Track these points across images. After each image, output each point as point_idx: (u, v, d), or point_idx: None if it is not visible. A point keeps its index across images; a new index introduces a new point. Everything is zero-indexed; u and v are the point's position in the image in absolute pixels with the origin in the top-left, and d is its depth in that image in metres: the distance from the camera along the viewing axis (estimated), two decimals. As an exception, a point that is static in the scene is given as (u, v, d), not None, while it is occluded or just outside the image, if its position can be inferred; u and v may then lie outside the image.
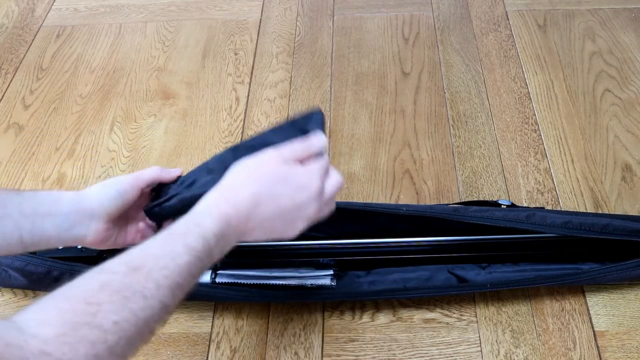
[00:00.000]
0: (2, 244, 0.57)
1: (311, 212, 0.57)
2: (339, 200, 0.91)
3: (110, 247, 0.64)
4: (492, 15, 1.22)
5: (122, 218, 0.63)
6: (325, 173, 0.58)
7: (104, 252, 0.79)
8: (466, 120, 1.01)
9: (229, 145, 1.00)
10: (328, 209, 0.60)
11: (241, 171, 0.56)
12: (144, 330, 0.45)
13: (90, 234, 0.60)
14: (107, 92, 1.11)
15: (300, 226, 0.57)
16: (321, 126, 0.60)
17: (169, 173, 0.64)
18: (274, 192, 0.55)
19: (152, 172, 0.63)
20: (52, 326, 0.40)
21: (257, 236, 0.56)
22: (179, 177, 0.65)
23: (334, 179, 0.59)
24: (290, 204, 0.55)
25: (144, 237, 0.65)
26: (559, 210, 0.84)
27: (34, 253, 0.76)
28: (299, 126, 0.60)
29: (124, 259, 0.48)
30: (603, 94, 1.04)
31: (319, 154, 0.59)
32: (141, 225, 0.66)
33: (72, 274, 0.74)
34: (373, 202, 0.90)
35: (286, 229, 0.57)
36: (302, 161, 0.58)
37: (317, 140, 0.59)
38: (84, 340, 0.40)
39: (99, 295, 0.43)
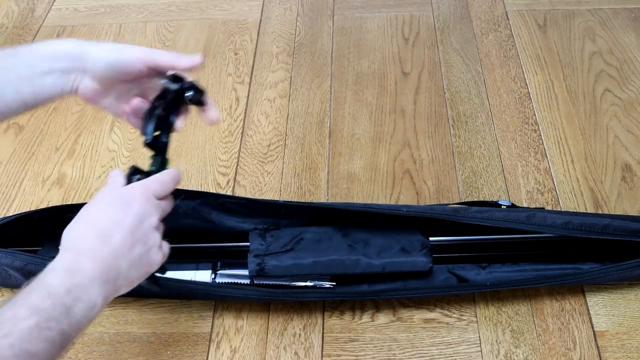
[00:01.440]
0: (5, 111, 0.56)
1: (144, 224, 0.54)
2: (339, 200, 0.91)
3: (100, 109, 0.62)
4: (492, 15, 1.22)
5: (117, 86, 0.60)
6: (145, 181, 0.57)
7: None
8: (466, 120, 1.01)
9: (229, 145, 1.00)
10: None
11: (75, 223, 0.53)
12: None
13: (81, 89, 0.59)
14: (107, 92, 1.11)
15: (147, 244, 0.54)
16: None
17: (190, 61, 0.59)
18: (105, 217, 0.53)
19: (169, 58, 0.58)
20: None
21: (127, 274, 0.52)
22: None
23: (155, 179, 0.58)
24: (127, 223, 0.52)
25: (135, 114, 0.63)
26: (559, 211, 0.84)
27: (35, 252, 0.77)
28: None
29: None
30: (603, 94, 1.04)
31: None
32: (135, 102, 0.63)
33: (72, 274, 0.75)
34: (373, 202, 0.91)
35: (135, 246, 0.53)
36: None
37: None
38: None
39: None
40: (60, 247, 0.51)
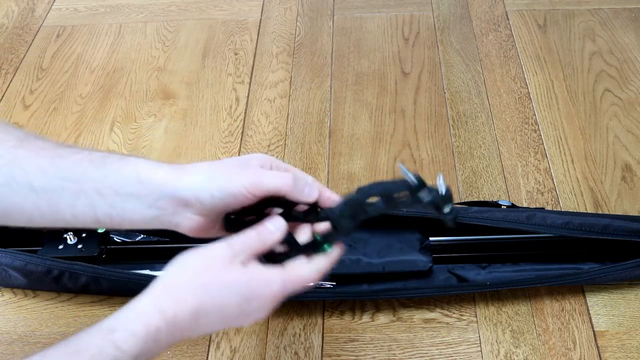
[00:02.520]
0: (74, 222, 0.49)
1: (263, 315, 0.49)
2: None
3: (211, 236, 0.53)
4: (492, 15, 1.22)
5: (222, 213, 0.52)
6: (287, 275, 0.49)
7: (104, 252, 0.79)
8: (466, 120, 1.01)
9: (229, 145, 1.00)
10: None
11: (185, 272, 0.48)
12: None
13: (183, 224, 0.50)
14: (107, 92, 1.11)
15: (246, 324, 0.50)
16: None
17: (304, 194, 0.50)
18: (220, 303, 0.47)
19: (280, 183, 0.49)
20: None
21: (189, 337, 0.49)
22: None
23: (298, 278, 0.49)
24: (237, 312, 0.47)
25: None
26: (559, 211, 0.84)
27: (35, 252, 0.76)
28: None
29: None
30: (603, 94, 1.04)
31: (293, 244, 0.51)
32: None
33: (71, 274, 0.75)
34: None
35: (227, 326, 0.50)
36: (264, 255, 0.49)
37: (273, 227, 0.50)
38: None
39: None
40: (156, 285, 0.47)
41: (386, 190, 0.49)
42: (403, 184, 0.48)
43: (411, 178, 0.47)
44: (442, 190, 0.47)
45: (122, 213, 0.48)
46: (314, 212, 0.52)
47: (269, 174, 0.50)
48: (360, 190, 0.50)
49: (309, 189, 0.51)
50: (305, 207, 0.52)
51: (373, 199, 0.50)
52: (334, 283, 0.77)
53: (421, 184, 0.47)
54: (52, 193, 0.47)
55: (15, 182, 0.47)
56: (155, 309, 0.45)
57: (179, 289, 0.47)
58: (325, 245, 0.52)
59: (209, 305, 0.46)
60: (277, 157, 0.97)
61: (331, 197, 0.52)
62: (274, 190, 0.49)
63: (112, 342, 0.43)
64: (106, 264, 0.78)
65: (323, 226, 0.52)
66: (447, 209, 0.48)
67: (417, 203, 0.48)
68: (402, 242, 0.77)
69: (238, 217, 0.52)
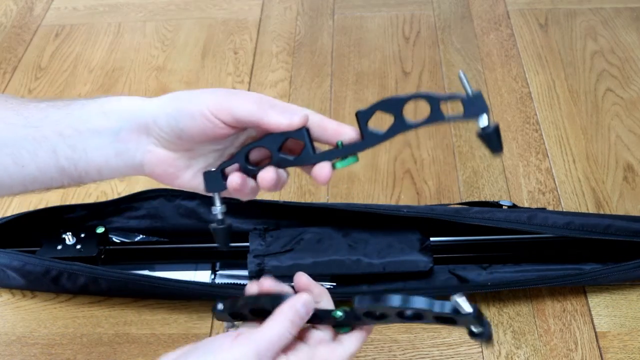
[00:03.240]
0: (40, 176, 0.45)
1: None
2: (339, 200, 0.91)
3: (177, 186, 0.48)
4: (493, 15, 1.21)
5: (196, 151, 0.46)
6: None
7: (102, 253, 0.78)
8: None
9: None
10: None
11: None
12: None
13: (147, 161, 0.46)
14: (106, 91, 1.11)
15: None
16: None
17: (289, 119, 0.44)
18: None
19: (252, 111, 0.43)
20: None
21: None
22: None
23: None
24: None
25: (244, 189, 0.48)
26: (560, 211, 0.84)
27: (33, 252, 0.76)
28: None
29: None
30: (605, 94, 1.04)
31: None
32: (236, 176, 0.47)
33: (70, 274, 0.74)
34: (374, 203, 0.90)
35: None
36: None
37: (300, 304, 0.45)
38: None
39: None
40: None
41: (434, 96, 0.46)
42: (452, 96, 0.46)
43: (469, 91, 0.46)
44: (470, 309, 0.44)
45: (84, 156, 0.45)
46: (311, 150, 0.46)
47: (241, 96, 0.44)
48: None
49: (291, 113, 0.45)
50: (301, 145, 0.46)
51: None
52: (334, 284, 0.77)
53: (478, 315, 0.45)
54: (16, 145, 0.44)
55: None
56: None
57: None
58: (350, 158, 0.48)
59: None
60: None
61: (339, 130, 0.46)
62: (246, 116, 0.43)
63: None
64: (105, 264, 0.77)
65: (348, 133, 0.47)
66: (478, 329, 0.46)
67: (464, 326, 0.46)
68: (403, 243, 0.77)
69: (218, 171, 0.47)
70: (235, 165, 0.47)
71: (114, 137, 0.45)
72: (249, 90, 1.09)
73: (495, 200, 0.87)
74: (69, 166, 0.45)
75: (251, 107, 0.44)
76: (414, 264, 0.76)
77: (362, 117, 0.49)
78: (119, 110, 0.45)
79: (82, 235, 0.78)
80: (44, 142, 0.44)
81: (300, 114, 0.45)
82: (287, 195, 0.92)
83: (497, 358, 0.73)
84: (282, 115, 0.45)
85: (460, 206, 0.82)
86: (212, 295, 0.77)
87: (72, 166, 0.45)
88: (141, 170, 0.47)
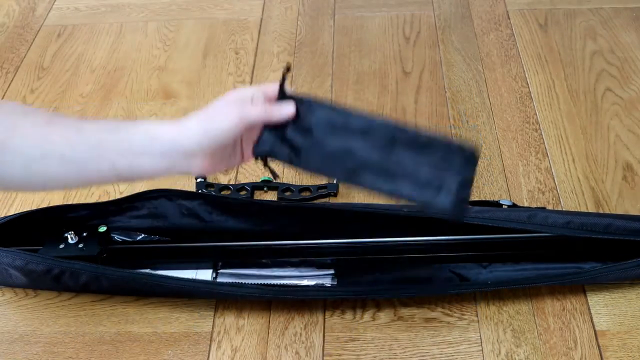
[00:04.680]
0: (99, 181, 0.62)
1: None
2: (339, 201, 0.91)
3: (221, 170, 0.72)
4: (493, 15, 1.22)
5: (229, 145, 0.61)
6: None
7: (104, 252, 0.79)
8: (467, 120, 1.01)
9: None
10: None
11: None
12: None
13: (193, 169, 0.59)
14: (108, 91, 1.11)
15: None
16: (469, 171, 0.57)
17: (280, 112, 0.60)
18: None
19: (260, 113, 0.59)
20: None
21: None
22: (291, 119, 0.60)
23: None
24: None
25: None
26: (560, 211, 0.84)
27: (36, 251, 0.77)
28: (443, 153, 0.57)
29: None
30: (604, 94, 1.04)
31: None
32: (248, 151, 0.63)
33: (72, 273, 0.75)
34: (374, 203, 0.90)
35: None
36: None
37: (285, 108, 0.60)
38: None
39: None
40: None
41: None
42: None
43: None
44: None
45: (140, 169, 0.58)
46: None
47: (251, 109, 0.58)
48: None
49: (283, 109, 0.60)
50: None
51: None
52: (335, 282, 0.77)
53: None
54: (80, 161, 0.57)
55: (49, 156, 0.56)
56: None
57: None
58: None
59: None
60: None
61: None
62: (258, 119, 0.59)
63: None
64: (106, 263, 0.78)
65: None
66: None
67: None
68: (435, 173, 0.59)
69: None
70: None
71: (163, 156, 0.57)
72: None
73: (495, 199, 0.88)
74: (127, 175, 0.59)
75: (259, 113, 0.59)
76: (429, 205, 0.59)
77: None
78: (163, 138, 0.57)
79: (84, 234, 0.79)
80: (104, 160, 0.57)
81: (288, 106, 0.60)
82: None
83: (497, 356, 0.73)
84: (282, 111, 0.60)
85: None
86: (213, 294, 0.78)
87: (129, 175, 0.59)
88: (189, 173, 0.61)
